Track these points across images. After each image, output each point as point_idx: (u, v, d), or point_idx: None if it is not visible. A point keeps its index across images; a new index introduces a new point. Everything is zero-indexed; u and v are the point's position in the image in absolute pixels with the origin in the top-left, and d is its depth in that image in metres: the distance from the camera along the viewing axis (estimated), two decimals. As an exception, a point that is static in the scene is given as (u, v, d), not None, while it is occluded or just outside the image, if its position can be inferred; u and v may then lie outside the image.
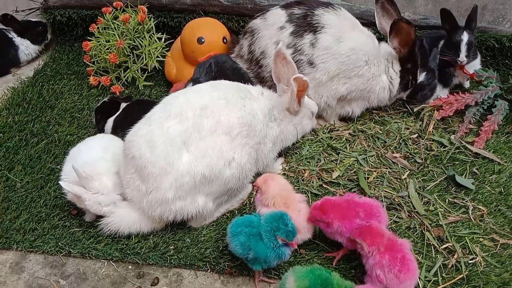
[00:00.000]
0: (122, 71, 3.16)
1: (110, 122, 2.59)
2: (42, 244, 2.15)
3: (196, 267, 2.07)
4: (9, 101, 3.04)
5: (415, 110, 2.87)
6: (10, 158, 2.59)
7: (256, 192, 2.14)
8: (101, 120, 2.65)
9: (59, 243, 2.15)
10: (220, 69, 2.57)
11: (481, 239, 2.13)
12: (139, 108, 2.38)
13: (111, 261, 2.11)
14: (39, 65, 3.51)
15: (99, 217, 2.14)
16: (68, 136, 2.73)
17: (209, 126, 1.98)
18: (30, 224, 2.23)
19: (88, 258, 2.12)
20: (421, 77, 2.84)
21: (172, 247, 2.12)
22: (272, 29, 2.59)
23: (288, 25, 2.57)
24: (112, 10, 3.14)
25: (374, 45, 2.63)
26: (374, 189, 2.36)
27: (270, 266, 1.93)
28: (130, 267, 2.10)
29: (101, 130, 2.64)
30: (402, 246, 1.86)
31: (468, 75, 2.91)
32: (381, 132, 2.74)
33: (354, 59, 2.53)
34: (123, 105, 2.64)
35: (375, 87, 2.65)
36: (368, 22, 3.00)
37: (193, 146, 1.96)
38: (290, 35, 2.56)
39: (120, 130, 2.36)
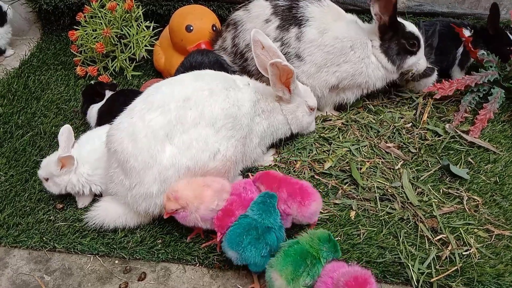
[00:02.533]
0: (110, 60, 3.09)
1: (94, 110, 2.53)
2: (26, 239, 2.09)
3: (184, 261, 2.01)
4: (-6, 92, 2.96)
5: (409, 97, 2.82)
6: (-6, 150, 2.52)
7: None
8: (84, 104, 2.63)
9: (44, 238, 2.09)
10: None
11: (475, 230, 2.09)
12: (124, 99, 2.30)
13: (97, 256, 2.06)
14: (25, 55, 3.42)
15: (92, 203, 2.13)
16: (54, 128, 2.66)
17: (193, 118, 1.91)
18: (14, 218, 2.17)
19: (73, 253, 2.07)
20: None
21: (160, 241, 2.07)
22: (257, 22, 2.52)
23: (273, 18, 2.53)
24: (99, -2, 3.06)
25: (358, 30, 2.57)
26: (367, 180, 2.30)
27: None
28: (116, 261, 2.05)
29: (85, 113, 2.63)
30: (298, 180, 2.02)
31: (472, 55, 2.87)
32: (374, 121, 2.69)
33: (339, 47, 2.49)
34: (107, 93, 2.57)
35: (367, 70, 2.57)
36: (361, 9, 2.94)
37: (176, 138, 1.89)
38: (277, 29, 2.52)
39: (105, 121, 2.30)
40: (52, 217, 2.18)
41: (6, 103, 2.87)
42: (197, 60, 2.49)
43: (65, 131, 2.15)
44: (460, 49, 2.98)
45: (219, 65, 2.52)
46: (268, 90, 2.25)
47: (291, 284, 1.72)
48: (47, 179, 2.17)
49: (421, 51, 2.62)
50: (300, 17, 2.49)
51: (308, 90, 2.41)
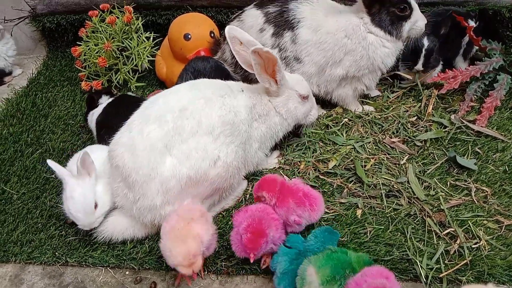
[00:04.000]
0: (113, 73, 3.13)
1: (92, 122, 2.60)
2: (39, 255, 2.14)
3: (193, 269, 2.04)
4: (4, 113, 3.04)
5: (412, 87, 2.79)
6: (6, 170, 2.59)
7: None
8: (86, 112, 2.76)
9: (56, 253, 2.13)
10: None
11: (485, 222, 2.05)
12: (120, 108, 2.36)
13: (108, 268, 2.09)
14: (32, 73, 3.50)
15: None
16: (62, 144, 2.71)
17: (190, 127, 1.93)
18: (27, 235, 2.23)
19: (85, 266, 2.11)
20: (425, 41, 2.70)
21: (168, 250, 2.09)
22: (252, 32, 2.51)
23: (267, 26, 2.53)
24: (99, 12, 3.10)
25: (348, 16, 2.50)
26: (372, 177, 2.29)
27: None
28: (127, 272, 2.08)
29: (86, 120, 2.75)
30: (296, 185, 2.02)
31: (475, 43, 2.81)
32: (378, 117, 2.67)
33: (334, 40, 2.45)
34: (103, 100, 2.64)
35: (367, 52, 2.49)
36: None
37: (175, 149, 1.90)
38: (272, 37, 2.52)
39: (105, 132, 2.33)
40: (63, 232, 2.23)
41: (15, 122, 2.94)
42: (198, 67, 2.51)
43: (81, 157, 2.04)
44: (466, 39, 2.93)
45: (219, 70, 2.54)
46: (261, 91, 2.24)
47: (324, 285, 1.70)
48: (96, 204, 2.07)
49: (415, 12, 2.50)
50: (292, 20, 2.48)
51: (297, 78, 2.34)
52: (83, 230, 2.20)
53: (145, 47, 3.08)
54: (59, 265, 2.13)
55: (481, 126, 2.52)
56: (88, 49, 3.08)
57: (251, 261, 1.87)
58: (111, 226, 2.06)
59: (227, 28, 2.22)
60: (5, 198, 2.43)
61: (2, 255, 2.16)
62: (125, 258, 2.08)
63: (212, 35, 2.91)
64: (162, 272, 2.05)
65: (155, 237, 2.13)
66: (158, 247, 2.07)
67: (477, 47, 2.89)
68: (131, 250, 2.10)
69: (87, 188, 2.04)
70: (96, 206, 2.05)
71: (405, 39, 2.58)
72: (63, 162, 2.56)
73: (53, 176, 2.50)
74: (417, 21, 2.52)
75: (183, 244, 1.83)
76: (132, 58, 3.09)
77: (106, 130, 2.28)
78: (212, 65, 2.58)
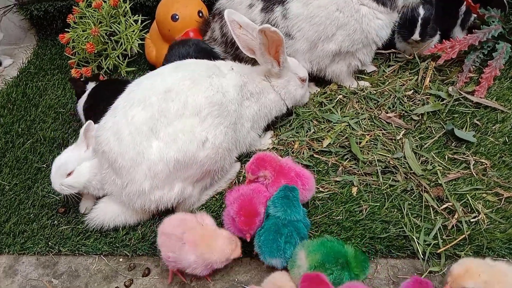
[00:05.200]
0: (103, 59, 3.07)
1: (79, 109, 2.55)
2: (32, 245, 2.12)
3: (187, 253, 2.01)
4: (-6, 104, 3.00)
5: (409, 60, 2.71)
6: (-2, 161, 2.56)
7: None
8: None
9: (49, 243, 2.12)
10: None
11: (484, 195, 2.00)
12: (105, 92, 2.31)
13: (101, 256, 2.07)
14: (23, 63, 3.45)
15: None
16: (53, 133, 2.68)
17: (176, 109, 1.87)
18: (20, 226, 2.21)
19: (78, 255, 2.09)
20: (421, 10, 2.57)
21: (161, 235, 2.06)
22: (241, 8, 2.43)
23: (256, 2, 2.44)
24: (86, -3, 3.03)
25: None
26: (368, 154, 2.23)
27: None
28: (121, 259, 2.06)
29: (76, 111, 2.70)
30: (288, 165, 2.00)
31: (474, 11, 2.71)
32: (374, 92, 2.59)
33: (326, 14, 2.36)
34: (90, 86, 2.60)
35: (361, 25, 2.40)
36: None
37: (161, 132, 1.85)
38: (261, 12, 2.42)
39: (93, 118, 2.28)
40: (55, 221, 2.21)
41: (6, 113, 2.91)
42: (181, 53, 2.45)
43: (87, 126, 2.08)
44: (463, 8, 2.83)
45: (203, 51, 2.47)
46: (254, 71, 2.19)
47: (311, 270, 1.69)
48: (71, 173, 2.06)
49: None
50: None
51: (296, 62, 2.34)
52: (75, 219, 2.19)
53: (133, 31, 3.01)
54: (53, 255, 2.11)
55: (480, 97, 2.44)
56: (77, 36, 3.00)
57: (248, 240, 1.84)
58: (101, 213, 2.03)
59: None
60: (-3, 189, 2.41)
61: (-5, 247, 2.15)
62: (118, 245, 2.06)
63: (200, 14, 2.83)
64: (156, 258, 2.03)
65: (147, 223, 2.11)
66: (151, 233, 2.07)
67: (475, 15, 2.79)
68: (124, 237, 2.08)
69: (73, 154, 2.07)
70: (70, 174, 2.04)
71: (401, 9, 2.48)
72: (53, 151, 2.55)
73: (44, 166, 2.48)
74: None
75: (215, 239, 1.82)
76: (121, 43, 3.02)
77: (95, 116, 2.23)
78: (195, 48, 2.52)
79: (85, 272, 2.03)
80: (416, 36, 2.63)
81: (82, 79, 2.76)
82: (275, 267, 1.80)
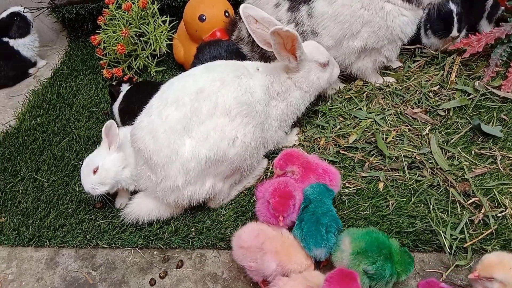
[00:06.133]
0: (133, 60, 3.18)
1: (115, 110, 2.64)
2: (71, 239, 2.23)
3: (218, 247, 2.09)
4: (31, 104, 3.14)
5: (434, 56, 2.72)
6: (36, 159, 2.69)
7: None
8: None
9: (87, 236, 2.22)
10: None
11: (511, 190, 2.01)
12: (139, 93, 2.40)
13: (137, 249, 2.17)
14: (56, 64, 3.58)
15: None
16: (87, 131, 2.79)
17: (207, 109, 1.95)
18: (59, 221, 2.32)
19: (115, 248, 2.19)
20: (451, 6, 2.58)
21: (193, 229, 2.15)
22: (267, 8, 2.48)
23: (282, 1, 2.49)
24: (115, 0, 3.13)
25: None
26: (394, 149, 2.26)
27: None
28: (155, 252, 2.15)
29: (111, 113, 2.80)
30: (315, 161, 2.07)
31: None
32: (400, 87, 2.61)
33: (350, 12, 2.38)
34: (124, 88, 2.69)
35: (385, 22, 2.41)
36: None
37: (194, 131, 1.94)
38: (288, 11, 2.47)
39: (128, 118, 2.38)
40: (93, 216, 2.31)
41: (42, 112, 3.04)
42: (212, 54, 2.52)
43: (108, 125, 2.15)
44: (490, 1, 2.81)
45: (233, 52, 2.54)
46: (279, 69, 2.23)
47: (353, 256, 1.73)
48: (96, 169, 2.14)
49: None
50: None
51: (313, 45, 2.31)
52: (112, 214, 2.29)
53: (162, 31, 3.10)
54: (91, 248, 2.22)
55: (507, 92, 2.44)
56: (107, 37, 3.12)
57: (281, 224, 1.88)
58: (137, 208, 2.12)
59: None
60: (37, 186, 2.53)
61: (37, 240, 2.27)
62: (152, 238, 2.15)
63: (226, 14, 2.89)
64: (189, 250, 2.12)
65: (180, 217, 2.19)
66: (184, 227, 2.15)
67: (503, 8, 2.76)
68: (158, 230, 2.17)
69: (97, 153, 2.18)
70: (95, 171, 2.13)
71: (426, 5, 2.49)
72: (89, 149, 2.66)
73: (80, 163, 2.57)
74: None
75: (295, 249, 1.84)
76: (150, 43, 3.12)
77: (129, 115, 2.32)
78: (227, 50, 2.59)
79: (122, 264, 2.14)
80: (454, 32, 2.62)
81: (116, 81, 2.85)
82: (318, 258, 1.84)
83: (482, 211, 1.93)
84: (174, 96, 1.99)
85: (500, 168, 2.09)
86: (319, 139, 2.41)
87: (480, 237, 1.86)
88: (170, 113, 1.95)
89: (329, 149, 2.34)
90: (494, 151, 2.18)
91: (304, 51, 2.19)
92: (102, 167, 2.14)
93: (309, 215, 1.86)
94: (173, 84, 2.07)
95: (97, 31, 3.20)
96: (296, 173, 2.04)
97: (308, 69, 2.26)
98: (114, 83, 2.83)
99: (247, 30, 2.62)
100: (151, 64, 3.15)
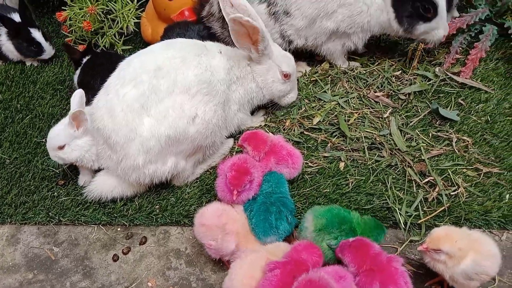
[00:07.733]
0: (100, 37, 3.12)
1: (75, 79, 2.65)
2: (33, 215, 2.21)
3: (182, 223, 2.11)
4: (-7, 81, 3.05)
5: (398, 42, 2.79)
6: (-2, 136, 2.63)
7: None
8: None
9: (50, 213, 2.20)
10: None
11: (464, 170, 2.11)
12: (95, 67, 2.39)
13: (100, 225, 2.17)
14: (20, 41, 3.48)
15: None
16: (51, 109, 2.74)
17: (166, 86, 1.94)
18: (21, 197, 2.28)
19: (78, 224, 2.18)
20: None
21: (157, 206, 2.16)
22: None
23: None
24: (82, -25, 3.06)
25: None
26: (355, 131, 2.33)
27: None
28: (119, 229, 2.16)
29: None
30: (280, 143, 2.10)
31: None
32: (363, 72, 2.68)
33: None
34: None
35: (368, 9, 2.41)
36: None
37: (152, 109, 1.93)
38: None
39: (89, 92, 2.35)
40: (55, 193, 2.29)
41: (5, 89, 2.96)
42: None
43: (77, 94, 2.13)
44: None
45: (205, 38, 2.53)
46: (241, 55, 2.24)
47: (316, 233, 1.80)
48: (62, 147, 2.13)
49: (439, 20, 2.40)
50: None
51: (286, 56, 2.32)
52: (75, 191, 2.28)
53: (129, 9, 3.05)
54: (53, 224, 2.20)
55: (465, 78, 2.54)
56: (73, 14, 3.05)
57: (234, 198, 1.90)
58: (99, 185, 2.12)
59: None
60: (-2, 163, 2.49)
61: (-2, 217, 2.23)
62: (116, 215, 2.15)
63: (196, -7, 2.88)
64: (152, 227, 2.13)
65: (144, 194, 2.20)
66: (148, 204, 2.16)
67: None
68: (122, 207, 2.17)
69: (65, 130, 2.13)
70: (62, 147, 2.12)
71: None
72: (52, 126, 2.60)
73: (43, 140, 2.54)
74: (436, 30, 2.43)
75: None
76: (117, 21, 3.07)
77: (87, 90, 2.29)
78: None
79: (85, 240, 2.13)
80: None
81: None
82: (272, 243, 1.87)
83: (436, 189, 2.02)
84: (132, 74, 1.98)
85: (455, 149, 2.19)
86: (284, 120, 2.45)
87: (433, 214, 1.95)
88: (127, 91, 1.94)
89: (294, 130, 2.39)
90: (450, 133, 2.27)
91: (271, 48, 2.21)
92: (69, 148, 2.13)
93: (258, 205, 1.91)
94: (131, 61, 2.05)
95: (63, 7, 3.13)
96: (250, 154, 2.06)
97: (268, 67, 2.27)
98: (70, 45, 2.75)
99: (219, 6, 2.60)
100: (118, 43, 3.11)
